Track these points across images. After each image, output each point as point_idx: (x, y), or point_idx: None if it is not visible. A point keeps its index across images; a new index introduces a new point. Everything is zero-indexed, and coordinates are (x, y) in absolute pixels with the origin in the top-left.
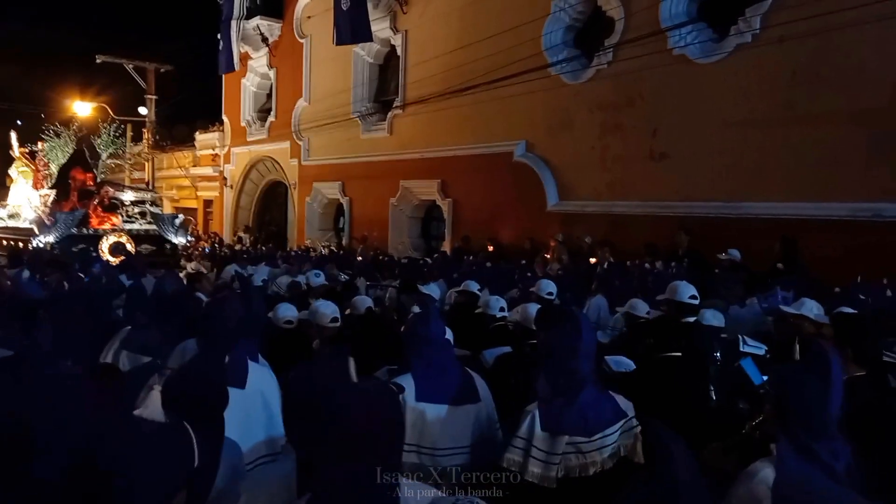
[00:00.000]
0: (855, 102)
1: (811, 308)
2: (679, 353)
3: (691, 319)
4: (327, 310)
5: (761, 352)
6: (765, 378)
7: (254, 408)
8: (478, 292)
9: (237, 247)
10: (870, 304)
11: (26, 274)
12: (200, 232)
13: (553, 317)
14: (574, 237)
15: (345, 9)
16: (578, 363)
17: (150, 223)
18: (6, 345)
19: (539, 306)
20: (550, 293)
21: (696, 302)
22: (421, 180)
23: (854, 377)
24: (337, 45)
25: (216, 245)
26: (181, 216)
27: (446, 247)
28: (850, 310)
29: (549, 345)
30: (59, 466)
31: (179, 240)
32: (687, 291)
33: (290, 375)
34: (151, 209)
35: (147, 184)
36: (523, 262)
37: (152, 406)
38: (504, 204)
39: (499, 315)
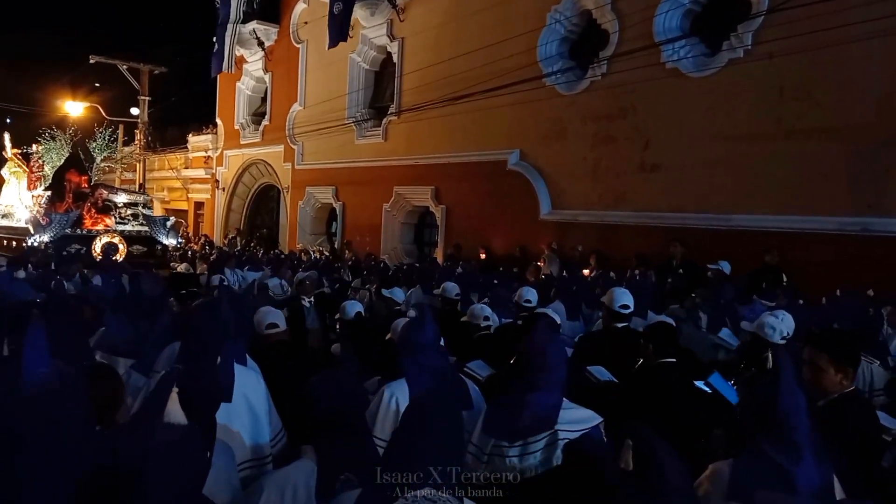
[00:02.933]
0: (842, 118)
1: (772, 324)
2: (674, 360)
3: (620, 325)
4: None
5: (735, 343)
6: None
7: (237, 413)
8: (455, 297)
9: (228, 249)
10: (848, 316)
11: (21, 273)
12: (191, 234)
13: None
14: (567, 246)
15: (336, 13)
16: (537, 373)
17: (142, 225)
18: None
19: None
20: (529, 300)
21: (627, 311)
22: (414, 186)
23: (844, 394)
24: (329, 48)
25: (206, 247)
26: (172, 219)
27: (439, 253)
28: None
29: (520, 351)
30: (53, 471)
31: (170, 241)
32: (620, 299)
33: (318, 385)
34: (143, 211)
35: (140, 186)
36: (515, 269)
37: (173, 411)
38: (497, 212)
39: (483, 324)
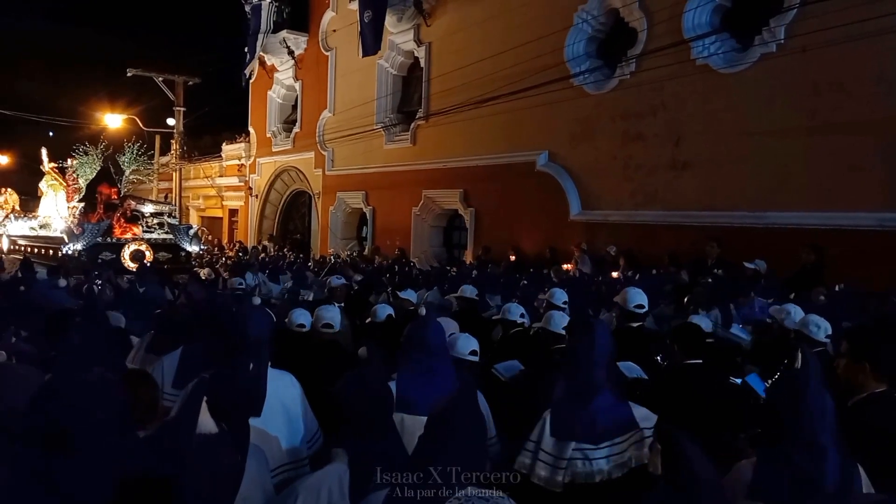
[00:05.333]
0: (878, 111)
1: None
2: (700, 360)
3: (634, 325)
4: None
5: (747, 337)
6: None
7: (272, 416)
8: (474, 297)
9: (261, 256)
10: (851, 311)
11: (62, 282)
12: (225, 241)
13: (571, 326)
14: (597, 247)
15: (367, 21)
16: (592, 371)
17: (167, 233)
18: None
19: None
20: (566, 302)
21: (642, 311)
22: (443, 190)
23: (874, 394)
24: (363, 56)
25: (240, 254)
26: (195, 226)
27: (468, 256)
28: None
29: (567, 352)
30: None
31: (193, 248)
32: (635, 299)
33: (345, 386)
34: (169, 220)
35: (165, 196)
36: (545, 271)
37: (202, 419)
38: (526, 213)
39: (519, 321)
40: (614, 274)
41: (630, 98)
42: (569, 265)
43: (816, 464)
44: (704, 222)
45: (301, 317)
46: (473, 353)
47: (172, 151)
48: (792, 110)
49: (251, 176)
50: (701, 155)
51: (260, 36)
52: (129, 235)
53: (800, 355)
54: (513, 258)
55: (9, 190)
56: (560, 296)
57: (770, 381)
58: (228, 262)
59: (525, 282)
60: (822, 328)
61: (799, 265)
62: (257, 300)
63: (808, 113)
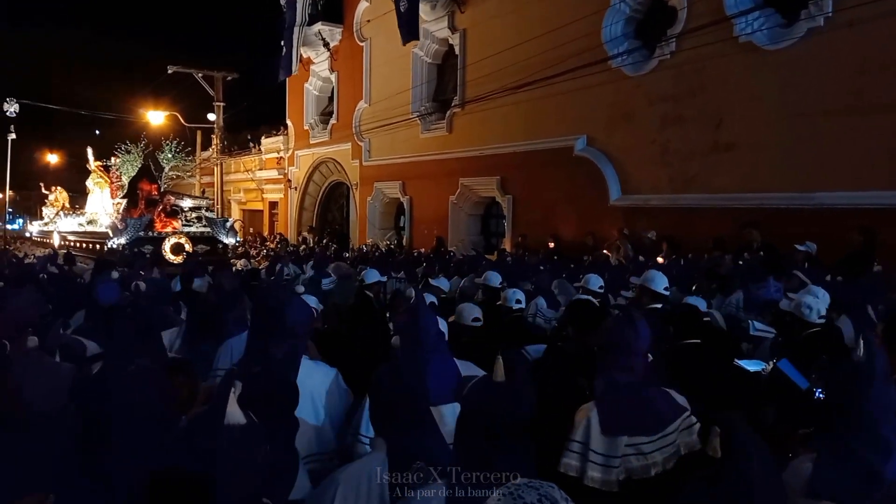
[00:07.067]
0: None
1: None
2: (699, 340)
3: (658, 306)
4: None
5: (771, 336)
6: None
7: (303, 406)
8: (498, 286)
9: (301, 248)
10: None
11: (115, 275)
12: (266, 233)
13: (587, 315)
14: (637, 232)
15: (402, 10)
16: (635, 361)
17: (205, 226)
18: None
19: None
20: (602, 287)
21: (668, 293)
22: (480, 177)
23: None
24: (404, 44)
25: (279, 245)
26: (231, 219)
27: (507, 243)
28: None
29: (606, 342)
30: (131, 462)
31: (230, 240)
32: (663, 282)
33: (382, 377)
34: (206, 214)
35: (203, 191)
36: (586, 257)
37: (231, 408)
38: (565, 199)
39: (515, 307)
40: (659, 259)
41: (669, 80)
42: (608, 251)
43: (882, 457)
44: (748, 205)
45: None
46: (476, 319)
47: (213, 146)
48: (839, 89)
49: (290, 168)
50: (744, 136)
51: (296, 29)
52: (168, 229)
53: (862, 344)
54: (552, 245)
55: (59, 188)
56: (595, 281)
57: (814, 372)
58: (270, 253)
59: (542, 267)
60: (814, 310)
61: (847, 248)
62: (301, 288)
63: (855, 91)
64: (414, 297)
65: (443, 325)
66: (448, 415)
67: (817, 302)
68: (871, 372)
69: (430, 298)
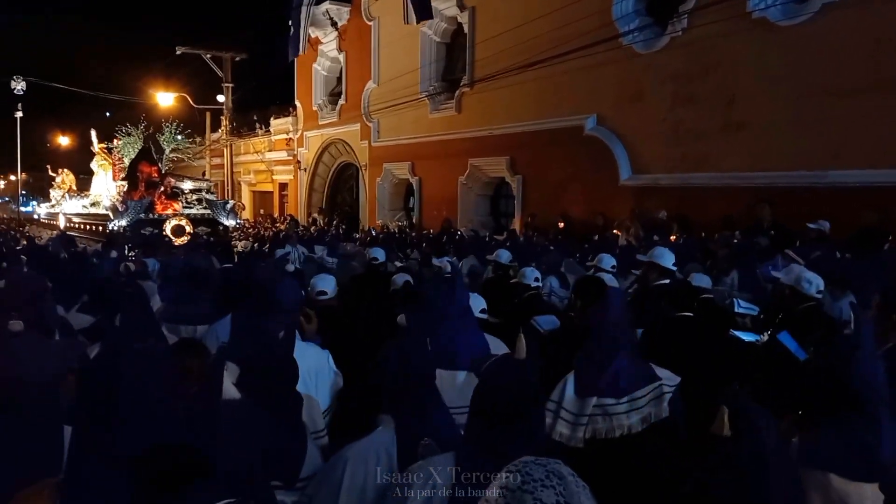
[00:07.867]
0: None
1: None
2: (692, 314)
3: (666, 282)
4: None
5: (754, 313)
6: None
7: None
8: (508, 263)
9: (311, 228)
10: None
11: (114, 254)
12: (276, 214)
13: (593, 289)
14: (648, 211)
15: None
16: (612, 332)
17: (205, 208)
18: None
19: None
20: (614, 267)
21: (675, 269)
22: (490, 157)
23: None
24: (407, 23)
25: (289, 226)
26: (231, 202)
27: (516, 224)
28: None
29: (591, 316)
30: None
31: (230, 222)
32: (670, 259)
33: (388, 354)
34: (207, 196)
35: (202, 173)
36: (596, 237)
37: (226, 387)
38: (575, 179)
39: (533, 284)
40: (672, 238)
41: (681, 57)
42: (619, 231)
43: (875, 434)
44: (760, 184)
45: (321, 282)
46: (483, 311)
47: (222, 127)
48: (855, 65)
49: (299, 149)
50: (757, 115)
51: (303, 9)
52: (169, 211)
53: (853, 318)
54: (561, 225)
55: (65, 170)
56: (608, 261)
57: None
58: (280, 234)
59: (551, 248)
60: (813, 284)
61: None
62: (291, 267)
63: (871, 68)
64: (451, 270)
65: (478, 301)
66: (464, 382)
67: (817, 277)
68: (857, 346)
69: (404, 277)
